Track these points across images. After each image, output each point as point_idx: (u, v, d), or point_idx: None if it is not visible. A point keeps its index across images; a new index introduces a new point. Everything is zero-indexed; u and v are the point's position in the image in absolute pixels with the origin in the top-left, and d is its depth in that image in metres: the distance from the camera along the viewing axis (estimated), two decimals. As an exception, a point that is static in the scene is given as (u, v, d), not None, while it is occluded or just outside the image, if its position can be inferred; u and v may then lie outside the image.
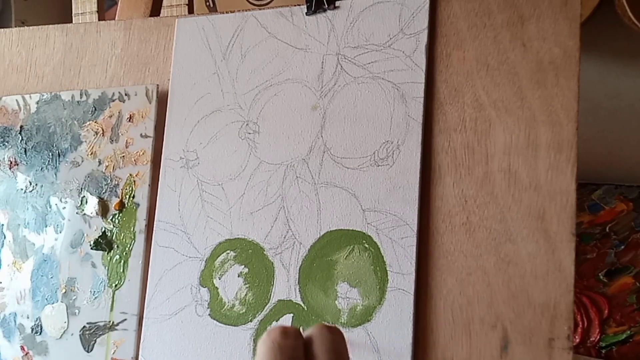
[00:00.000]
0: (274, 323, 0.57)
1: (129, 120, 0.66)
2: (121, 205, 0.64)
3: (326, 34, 0.61)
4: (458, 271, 0.53)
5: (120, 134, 0.66)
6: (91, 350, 0.63)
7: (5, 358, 0.67)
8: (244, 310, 0.58)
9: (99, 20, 0.82)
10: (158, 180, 0.64)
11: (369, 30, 0.59)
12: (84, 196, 0.66)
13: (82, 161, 0.67)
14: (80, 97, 0.69)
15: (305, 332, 0.35)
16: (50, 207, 0.67)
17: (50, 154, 0.69)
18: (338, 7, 0.61)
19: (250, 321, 0.58)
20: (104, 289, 0.63)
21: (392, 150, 0.56)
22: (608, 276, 0.99)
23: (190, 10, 0.83)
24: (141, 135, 0.65)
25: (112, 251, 0.64)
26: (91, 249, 0.64)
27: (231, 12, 0.65)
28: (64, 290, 0.65)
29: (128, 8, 0.82)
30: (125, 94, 0.67)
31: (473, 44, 0.56)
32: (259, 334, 0.57)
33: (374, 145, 0.57)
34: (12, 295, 0.68)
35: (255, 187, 0.60)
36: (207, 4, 0.84)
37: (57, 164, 0.68)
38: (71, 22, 0.84)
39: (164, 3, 0.81)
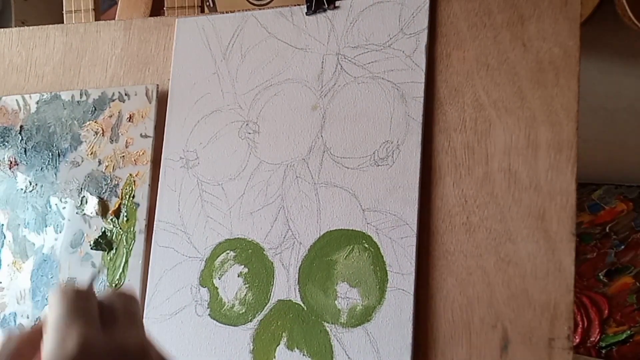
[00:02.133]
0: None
1: (129, 120, 0.66)
2: (117, 211, 0.64)
3: (326, 34, 0.61)
4: (458, 271, 0.53)
5: (120, 134, 0.66)
6: (91, 350, 0.63)
7: (5, 358, 0.67)
8: (243, 310, 0.58)
9: (95, 18, 0.82)
10: (158, 180, 0.64)
11: (369, 30, 0.59)
12: (84, 196, 0.66)
13: (82, 161, 0.67)
14: (80, 97, 0.69)
15: (100, 297, 0.35)
16: (50, 207, 0.67)
17: (50, 154, 0.69)
18: (338, 7, 0.61)
19: (250, 321, 0.58)
20: (104, 289, 0.63)
21: (392, 150, 0.56)
22: (608, 276, 0.99)
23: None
24: (141, 135, 0.65)
25: (112, 251, 0.64)
26: (91, 249, 0.64)
27: (231, 12, 0.65)
28: (64, 290, 0.65)
29: (128, 8, 0.82)
30: (125, 94, 0.67)
31: (473, 44, 0.56)
32: (259, 333, 0.57)
33: (373, 145, 0.57)
34: (12, 295, 0.68)
35: (255, 187, 0.60)
36: (207, 3, 0.85)
37: (57, 164, 0.68)
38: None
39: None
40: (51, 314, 0.32)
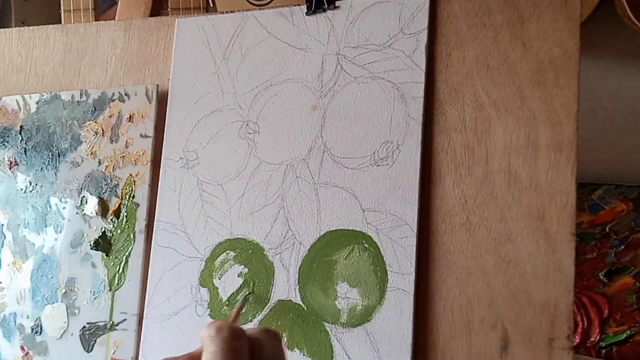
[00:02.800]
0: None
1: (129, 120, 0.66)
2: (117, 211, 0.64)
3: (326, 33, 0.61)
4: (458, 271, 0.53)
5: (120, 134, 0.66)
6: (91, 350, 0.63)
7: (5, 358, 0.67)
8: (243, 310, 0.58)
9: (95, 18, 0.82)
10: (158, 180, 0.64)
11: (369, 30, 0.59)
12: (84, 196, 0.66)
13: (82, 161, 0.67)
14: (80, 97, 0.69)
15: (249, 332, 0.37)
16: (50, 207, 0.67)
17: (50, 154, 0.69)
18: (338, 7, 0.61)
19: (250, 321, 0.58)
20: (104, 289, 0.63)
21: (392, 150, 0.56)
22: (608, 276, 0.99)
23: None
24: (141, 135, 0.65)
25: (112, 251, 0.64)
26: (91, 249, 0.64)
27: (231, 12, 0.65)
28: (64, 291, 0.65)
29: (128, 8, 0.82)
30: (125, 94, 0.67)
31: (473, 44, 0.56)
32: (259, 334, 0.57)
33: (373, 145, 0.57)
34: (12, 295, 0.68)
35: (255, 187, 0.60)
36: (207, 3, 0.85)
37: (57, 164, 0.68)
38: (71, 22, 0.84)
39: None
40: (207, 353, 0.34)
